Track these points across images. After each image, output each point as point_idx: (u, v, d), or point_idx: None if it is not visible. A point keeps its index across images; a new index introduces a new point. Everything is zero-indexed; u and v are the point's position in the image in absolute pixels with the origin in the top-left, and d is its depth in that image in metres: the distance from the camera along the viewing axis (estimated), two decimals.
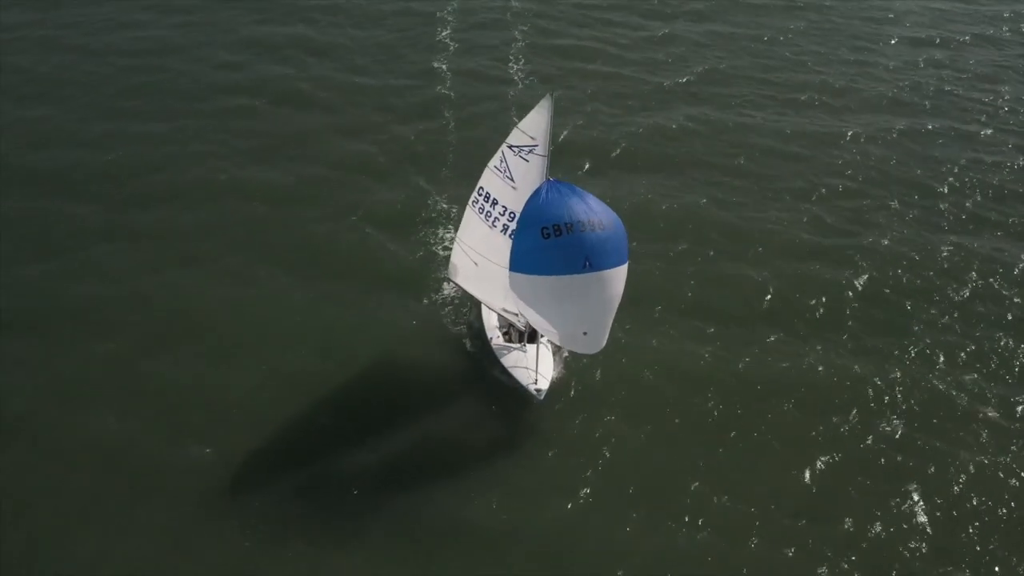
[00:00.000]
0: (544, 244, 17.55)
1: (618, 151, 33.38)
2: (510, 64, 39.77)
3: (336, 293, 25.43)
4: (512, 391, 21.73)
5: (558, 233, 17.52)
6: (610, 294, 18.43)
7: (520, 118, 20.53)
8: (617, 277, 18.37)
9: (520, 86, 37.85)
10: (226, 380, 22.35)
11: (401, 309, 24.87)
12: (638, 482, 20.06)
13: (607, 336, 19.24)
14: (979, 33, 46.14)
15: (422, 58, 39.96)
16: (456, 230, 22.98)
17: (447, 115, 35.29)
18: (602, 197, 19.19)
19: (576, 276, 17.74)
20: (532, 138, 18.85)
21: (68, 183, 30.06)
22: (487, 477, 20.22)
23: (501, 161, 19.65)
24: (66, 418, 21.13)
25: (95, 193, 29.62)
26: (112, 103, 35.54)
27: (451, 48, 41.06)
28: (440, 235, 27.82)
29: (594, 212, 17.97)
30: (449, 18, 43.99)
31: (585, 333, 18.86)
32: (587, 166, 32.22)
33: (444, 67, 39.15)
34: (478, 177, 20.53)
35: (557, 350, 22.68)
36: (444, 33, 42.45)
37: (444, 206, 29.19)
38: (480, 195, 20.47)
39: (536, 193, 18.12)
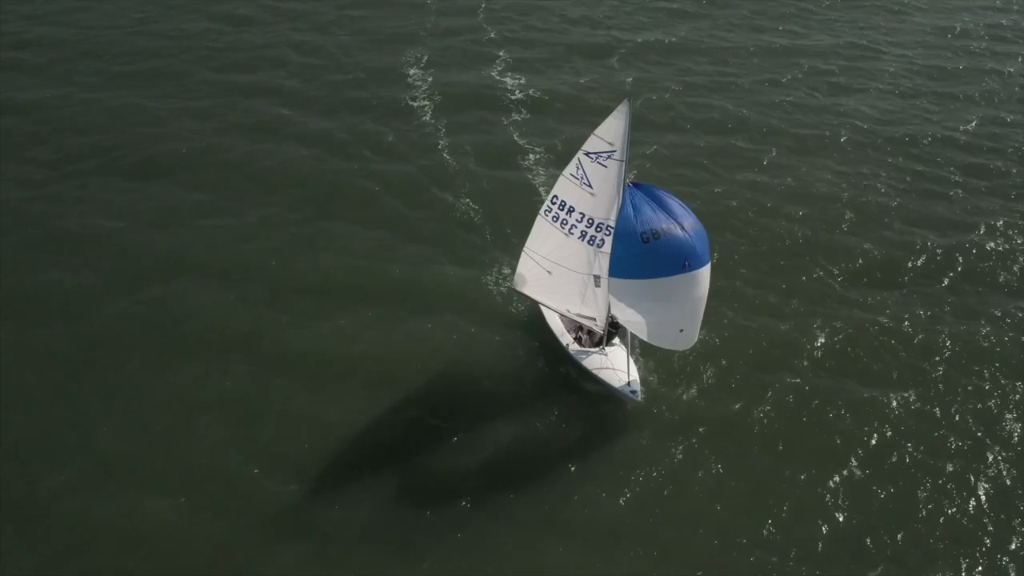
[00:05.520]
0: (644, 249, 17.91)
1: None
2: None
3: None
4: (592, 393, 21.96)
5: (656, 237, 17.90)
6: (703, 291, 18.94)
7: None
8: (706, 276, 18.90)
9: None
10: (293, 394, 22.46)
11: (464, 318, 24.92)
12: (742, 472, 20.59)
13: (698, 332, 19.68)
14: None
15: None
16: None
17: None
18: None
19: (676, 277, 18.17)
20: (610, 144, 18.97)
21: None
22: (590, 474, 20.36)
23: (578, 168, 19.70)
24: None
25: None
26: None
27: None
28: None
29: (681, 215, 18.41)
30: None
31: (681, 330, 19.32)
32: None
33: None
34: None
35: (632, 349, 22.98)
36: None
37: None
38: (554, 203, 20.50)
39: (626, 200, 18.39)
